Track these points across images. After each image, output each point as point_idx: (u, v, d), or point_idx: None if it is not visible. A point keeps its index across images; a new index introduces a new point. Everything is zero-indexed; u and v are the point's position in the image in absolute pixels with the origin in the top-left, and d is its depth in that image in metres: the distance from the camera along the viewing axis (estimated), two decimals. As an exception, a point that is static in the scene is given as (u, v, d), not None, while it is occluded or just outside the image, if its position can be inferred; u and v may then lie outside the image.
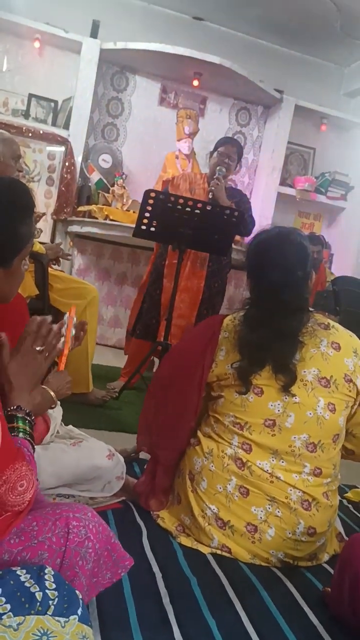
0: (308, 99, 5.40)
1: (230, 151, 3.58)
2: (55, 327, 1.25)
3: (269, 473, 1.70)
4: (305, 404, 1.71)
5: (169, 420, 1.91)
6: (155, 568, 1.58)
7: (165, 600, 1.43)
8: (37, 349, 1.21)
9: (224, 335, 1.85)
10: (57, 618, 0.89)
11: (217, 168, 3.51)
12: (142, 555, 1.64)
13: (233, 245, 3.56)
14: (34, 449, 1.15)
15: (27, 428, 1.16)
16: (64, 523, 1.07)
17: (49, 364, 1.26)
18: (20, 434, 1.13)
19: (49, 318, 1.26)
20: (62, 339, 1.89)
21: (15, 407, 1.16)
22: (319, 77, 5.65)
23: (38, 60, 4.92)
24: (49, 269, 3.06)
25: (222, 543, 1.71)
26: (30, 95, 4.88)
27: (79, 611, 0.93)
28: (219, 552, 1.72)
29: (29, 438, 1.15)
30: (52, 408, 1.83)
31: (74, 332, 1.92)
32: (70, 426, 2.02)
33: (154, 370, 3.78)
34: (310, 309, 1.85)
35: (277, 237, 1.82)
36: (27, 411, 1.18)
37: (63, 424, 1.98)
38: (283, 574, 1.67)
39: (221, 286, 3.75)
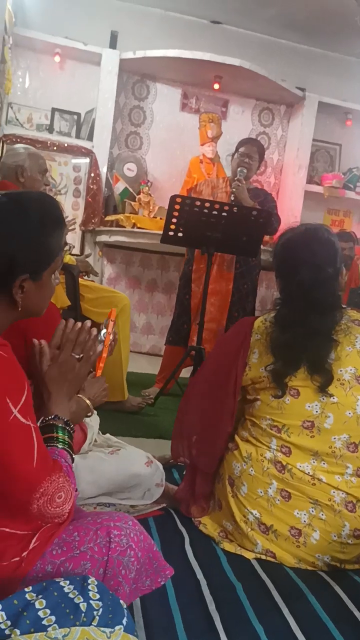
0: (331, 94, 5.34)
1: (250, 151, 3.57)
2: (94, 331, 1.24)
3: (311, 475, 1.67)
4: (344, 404, 1.68)
5: (207, 426, 1.89)
6: (200, 575, 1.56)
7: (211, 607, 1.41)
8: (76, 356, 1.20)
9: (256, 337, 1.83)
10: (102, 629, 0.89)
11: (239, 169, 3.50)
12: (185, 562, 1.63)
13: (262, 246, 3.53)
14: (72, 459, 1.15)
15: (66, 438, 1.16)
16: (105, 532, 1.06)
17: (88, 371, 1.25)
18: (60, 445, 1.13)
19: (88, 323, 1.24)
20: (102, 344, 1.90)
21: (53, 417, 1.16)
22: (341, 72, 5.57)
23: (59, 74, 4.98)
24: (80, 279, 3.08)
25: (266, 548, 1.69)
26: (54, 110, 4.94)
27: (124, 621, 0.92)
28: (263, 557, 1.69)
29: (67, 448, 1.15)
30: (89, 416, 1.84)
31: (112, 336, 1.92)
32: (108, 434, 2.03)
33: (187, 376, 3.78)
34: (344, 305, 1.81)
35: (304, 234, 1.79)
36: (66, 420, 1.17)
37: (100, 433, 1.99)
38: (330, 577, 1.64)
39: (251, 288, 3.73)
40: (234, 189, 3.46)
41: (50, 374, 1.19)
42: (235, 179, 3.48)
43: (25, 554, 1.01)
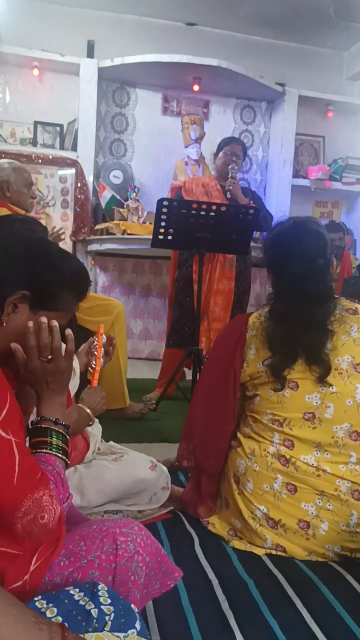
0: (311, 88, 5.36)
1: (236, 149, 3.60)
2: (55, 326, 1.12)
3: (315, 467, 1.67)
4: (344, 393, 1.68)
5: (210, 426, 1.89)
6: (211, 575, 1.56)
7: (225, 605, 1.41)
8: (45, 360, 1.12)
9: (252, 333, 1.83)
10: (115, 634, 0.88)
11: (230, 167, 3.52)
12: (196, 562, 1.63)
13: (252, 243, 3.54)
14: (66, 462, 1.09)
15: (60, 442, 1.09)
16: (111, 539, 1.05)
17: (67, 364, 1.16)
18: (54, 449, 1.07)
19: (44, 319, 1.11)
20: (94, 356, 1.91)
21: (41, 418, 1.10)
22: (320, 65, 5.60)
23: (39, 87, 4.99)
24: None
25: (276, 543, 1.69)
26: (36, 123, 4.95)
27: (137, 625, 0.92)
28: (273, 552, 1.69)
29: (59, 454, 1.08)
30: (90, 425, 1.84)
31: (103, 350, 1.94)
32: (111, 442, 2.03)
33: (187, 378, 3.78)
34: (336, 295, 1.82)
35: (293, 228, 1.80)
36: (55, 419, 1.11)
37: (103, 441, 1.99)
38: (342, 567, 1.64)
39: (247, 285, 3.74)
40: (229, 187, 3.48)
41: (28, 379, 1.13)
42: (230, 176, 3.50)
43: (27, 577, 0.99)
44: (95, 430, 1.91)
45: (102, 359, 1.91)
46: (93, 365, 1.91)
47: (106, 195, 4.82)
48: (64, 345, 1.15)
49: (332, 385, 1.68)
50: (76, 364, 1.89)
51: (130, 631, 0.90)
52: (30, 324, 1.10)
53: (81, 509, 1.55)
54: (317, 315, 1.73)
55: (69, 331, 1.16)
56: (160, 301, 5.10)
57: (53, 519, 0.97)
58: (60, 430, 1.10)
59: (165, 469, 1.91)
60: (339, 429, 1.68)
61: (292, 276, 1.75)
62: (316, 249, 1.76)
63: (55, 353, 1.11)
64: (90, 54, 4.96)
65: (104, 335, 1.96)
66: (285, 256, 1.78)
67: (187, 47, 4.99)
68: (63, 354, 1.14)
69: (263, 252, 1.91)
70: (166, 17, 5.16)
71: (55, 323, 1.12)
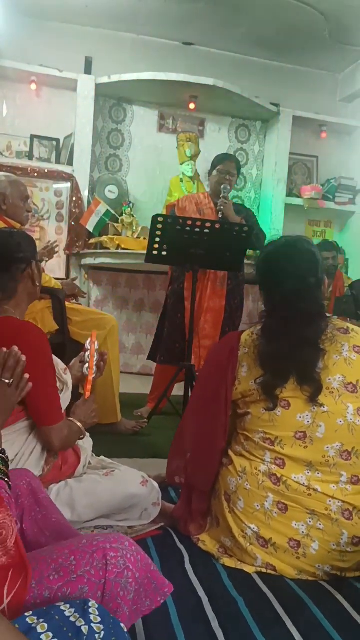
0: (305, 108, 5.45)
1: (229, 167, 3.62)
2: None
3: (306, 486, 1.67)
4: (335, 412, 1.69)
5: (200, 443, 1.89)
6: (201, 592, 1.55)
7: (214, 624, 1.41)
8: (6, 381, 1.16)
9: (244, 351, 1.84)
10: (105, 653, 0.88)
11: (222, 186, 3.54)
12: (186, 579, 1.62)
13: (245, 261, 3.56)
14: (10, 486, 1.12)
15: (2, 467, 1.13)
16: (101, 555, 1.05)
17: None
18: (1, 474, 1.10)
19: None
20: (86, 366, 1.92)
21: None
22: (314, 86, 5.68)
23: (36, 101, 5.03)
24: (67, 303, 3.09)
25: (266, 562, 1.68)
26: (32, 137, 4.99)
27: (127, 644, 0.91)
28: (263, 570, 1.69)
29: (4, 477, 1.11)
30: (81, 439, 1.84)
31: (96, 356, 1.94)
32: (102, 456, 2.02)
33: (172, 393, 3.78)
34: (329, 314, 1.83)
35: (285, 246, 1.82)
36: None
37: (94, 455, 1.98)
38: (332, 587, 1.63)
39: (240, 302, 3.76)
40: (221, 207, 3.50)
41: None
42: (221, 196, 3.52)
43: (4, 607, 0.97)
44: (86, 444, 1.91)
45: (94, 368, 1.92)
46: (86, 373, 1.92)
47: (101, 209, 4.82)
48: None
49: (323, 405, 1.69)
50: (68, 378, 1.89)
51: (120, 650, 0.90)
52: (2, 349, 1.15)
53: (72, 524, 1.54)
54: (308, 334, 1.74)
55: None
56: (153, 316, 5.11)
57: (12, 535, 0.98)
58: (2, 456, 1.15)
59: (156, 484, 1.90)
60: (330, 449, 1.68)
61: (283, 294, 1.76)
62: (308, 267, 1.78)
63: (16, 379, 1.15)
64: (88, 70, 5.03)
65: (96, 343, 1.96)
66: (277, 274, 1.79)
67: (183, 66, 5.06)
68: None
69: (255, 270, 1.92)
70: (164, 36, 5.24)
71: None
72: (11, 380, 1.16)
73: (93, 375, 1.91)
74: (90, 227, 4.74)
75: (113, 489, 1.78)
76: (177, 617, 1.41)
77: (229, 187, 3.56)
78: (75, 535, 1.32)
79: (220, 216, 3.51)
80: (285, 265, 1.77)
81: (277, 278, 1.78)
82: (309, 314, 1.75)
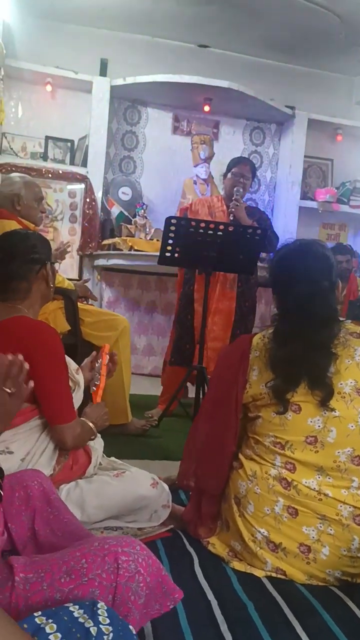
0: (320, 111, 5.42)
1: (244, 170, 3.61)
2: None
3: (317, 491, 1.66)
4: (346, 417, 1.68)
5: (211, 446, 1.89)
6: (210, 595, 1.55)
7: (223, 627, 1.40)
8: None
9: (255, 354, 1.83)
10: (114, 655, 0.88)
11: (235, 189, 3.54)
12: (195, 582, 1.62)
13: (259, 263, 3.56)
14: (1, 478, 1.14)
15: None
16: (113, 558, 1.05)
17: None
18: None
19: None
20: (97, 376, 1.94)
21: None
22: (329, 89, 5.66)
23: (51, 103, 5.06)
24: (79, 304, 3.10)
25: (276, 566, 1.68)
26: (47, 138, 5.01)
27: (136, 647, 0.91)
28: (273, 574, 1.68)
29: None
30: (92, 439, 1.85)
31: (110, 365, 1.97)
32: (113, 457, 2.02)
33: (189, 395, 3.78)
34: (342, 318, 1.82)
35: (299, 249, 1.82)
36: None
37: (105, 456, 1.99)
38: (342, 592, 1.63)
39: (251, 305, 3.75)
40: (232, 209, 3.50)
41: None
42: (233, 198, 3.52)
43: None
44: (97, 444, 1.91)
45: (105, 378, 1.94)
46: (97, 383, 1.93)
47: (114, 211, 4.85)
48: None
49: (334, 410, 1.68)
50: (80, 378, 1.90)
51: (128, 653, 0.90)
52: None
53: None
54: (320, 338, 1.72)
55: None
56: (165, 318, 5.11)
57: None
58: None
59: (166, 486, 1.91)
60: (341, 453, 1.67)
61: (296, 297, 1.75)
62: (321, 270, 1.77)
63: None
64: (103, 72, 5.04)
65: (108, 356, 1.98)
66: (290, 277, 1.79)
67: (198, 68, 5.05)
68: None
69: (269, 273, 1.92)
70: (178, 39, 5.24)
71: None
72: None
73: (104, 384, 1.94)
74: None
75: (123, 490, 1.78)
76: (186, 621, 1.41)
77: (241, 190, 3.55)
78: (87, 535, 1.32)
79: (232, 218, 3.50)
80: (299, 268, 1.76)
81: (290, 281, 1.78)
82: (322, 317, 1.74)
